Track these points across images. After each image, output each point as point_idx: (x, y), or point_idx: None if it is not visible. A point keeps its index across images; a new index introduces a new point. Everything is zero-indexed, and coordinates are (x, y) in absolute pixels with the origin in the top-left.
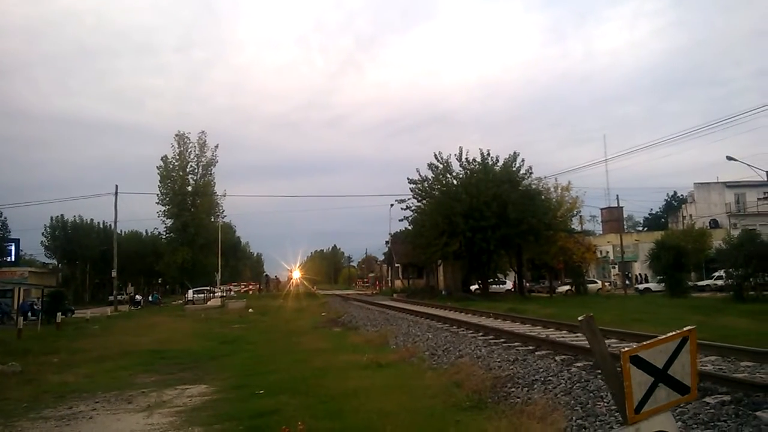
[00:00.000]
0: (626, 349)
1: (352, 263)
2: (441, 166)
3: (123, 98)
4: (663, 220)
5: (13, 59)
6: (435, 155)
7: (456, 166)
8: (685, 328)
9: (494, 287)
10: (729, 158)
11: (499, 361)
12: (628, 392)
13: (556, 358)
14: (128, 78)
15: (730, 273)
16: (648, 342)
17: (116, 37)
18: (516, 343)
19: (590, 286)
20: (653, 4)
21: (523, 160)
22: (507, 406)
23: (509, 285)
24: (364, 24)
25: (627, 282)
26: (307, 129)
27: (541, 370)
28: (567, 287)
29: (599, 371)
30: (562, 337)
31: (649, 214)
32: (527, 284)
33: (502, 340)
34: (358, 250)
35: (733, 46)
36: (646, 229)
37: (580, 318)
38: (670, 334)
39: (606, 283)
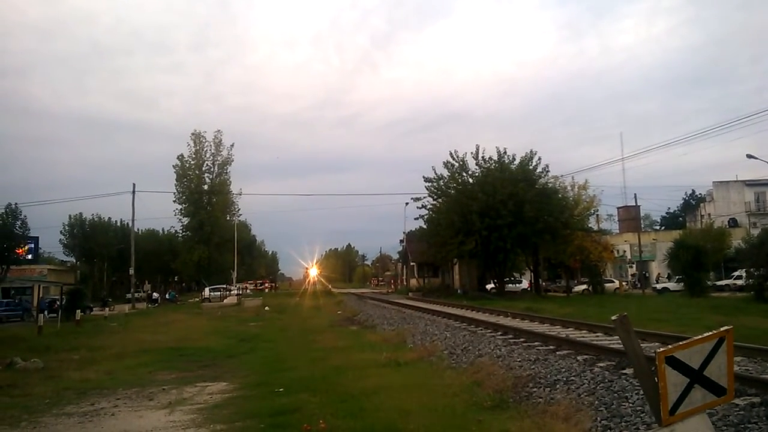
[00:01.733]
0: (662, 349)
1: (366, 262)
2: (457, 164)
3: (138, 97)
4: (681, 219)
5: (29, 58)
6: (451, 153)
7: (472, 165)
8: (721, 329)
9: (510, 286)
10: (749, 156)
11: (519, 361)
12: (663, 393)
13: (578, 358)
14: (143, 77)
15: (751, 272)
16: (684, 342)
17: (131, 37)
18: (536, 343)
19: (607, 285)
20: (670, 1)
21: (539, 159)
22: (529, 406)
23: (525, 284)
24: (380, 22)
25: (654, 283)
26: (321, 128)
27: (563, 370)
28: (584, 287)
29: (623, 371)
30: (583, 336)
31: (667, 213)
32: (543, 283)
33: (522, 339)
34: (373, 249)
35: (751, 43)
36: (663, 228)
37: (614, 317)
38: (707, 334)
39: (623, 283)
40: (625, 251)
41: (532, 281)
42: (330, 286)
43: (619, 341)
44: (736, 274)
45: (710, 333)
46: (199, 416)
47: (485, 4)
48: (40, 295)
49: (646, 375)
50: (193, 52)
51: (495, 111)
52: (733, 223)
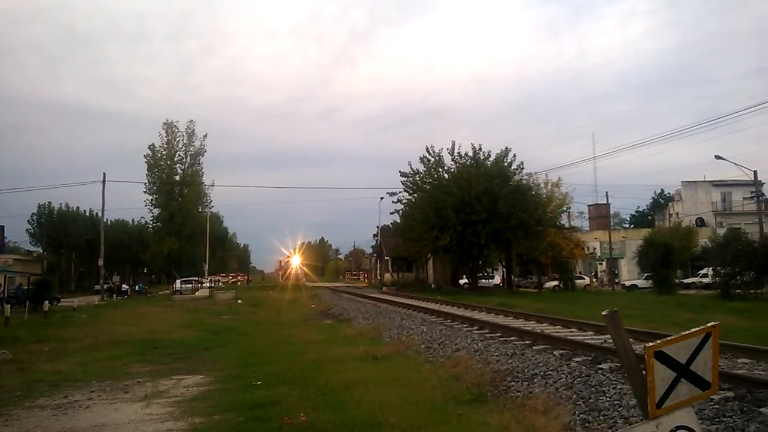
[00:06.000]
0: (651, 344)
1: (339, 256)
2: (433, 159)
3: (114, 86)
4: (650, 217)
5: (1, 43)
6: (427, 149)
7: (448, 160)
8: (708, 324)
9: (483, 282)
10: (717, 157)
11: (496, 355)
12: (650, 387)
13: (555, 352)
14: (120, 66)
15: (717, 271)
16: (672, 337)
17: (109, 24)
18: (512, 338)
19: (578, 282)
20: (647, 4)
21: (514, 156)
22: (508, 400)
23: (497, 280)
24: (359, 16)
25: (624, 281)
26: (299, 121)
27: (540, 364)
28: (554, 283)
29: (600, 366)
30: (558, 332)
31: (636, 211)
32: (515, 279)
33: (498, 334)
34: (346, 243)
35: (723, 47)
36: (632, 226)
37: (604, 312)
38: (694, 330)
39: (593, 280)
40: (595, 248)
41: (505, 277)
42: (314, 277)
43: (594, 336)
44: (702, 272)
45: (697, 329)
46: (177, 409)
47: (467, 1)
48: (5, 285)
49: (634, 369)
50: (171, 42)
51: (472, 108)
52: (700, 222)
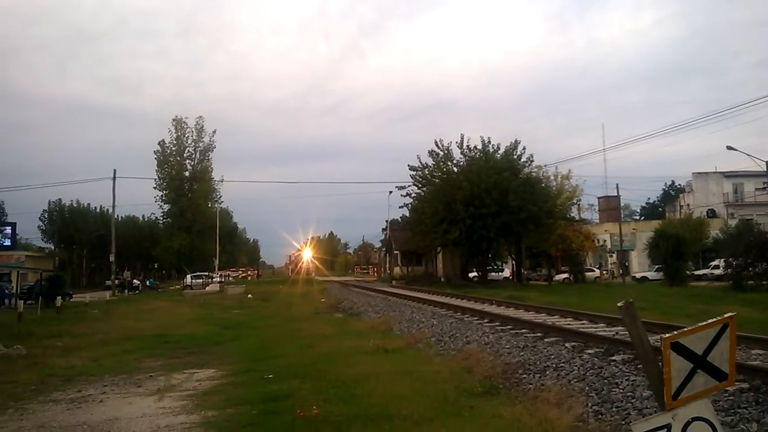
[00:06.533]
0: (668, 335)
1: (348, 250)
2: (442, 153)
3: (122, 83)
4: (660, 209)
5: (10, 43)
6: (436, 142)
7: (457, 154)
8: (725, 315)
9: (492, 275)
10: (729, 148)
11: (508, 348)
12: (667, 378)
13: (566, 345)
14: (128, 63)
15: (729, 262)
16: (688, 328)
17: (116, 22)
18: (523, 330)
19: (588, 274)
20: None
21: (524, 148)
22: (520, 392)
23: (507, 273)
24: (368, 10)
25: (635, 273)
26: (306, 115)
27: (552, 356)
28: (564, 275)
29: (612, 358)
30: (569, 324)
31: (647, 203)
32: (525, 272)
33: (509, 326)
34: (355, 237)
35: (733, 37)
36: (642, 218)
37: (620, 304)
38: (711, 320)
39: (604, 272)
40: (605, 241)
41: (514, 270)
42: (324, 271)
43: (605, 328)
44: (713, 263)
45: (714, 319)
46: (190, 403)
47: None
48: (18, 282)
49: (650, 361)
50: (179, 39)
51: (481, 100)
52: (712, 213)
